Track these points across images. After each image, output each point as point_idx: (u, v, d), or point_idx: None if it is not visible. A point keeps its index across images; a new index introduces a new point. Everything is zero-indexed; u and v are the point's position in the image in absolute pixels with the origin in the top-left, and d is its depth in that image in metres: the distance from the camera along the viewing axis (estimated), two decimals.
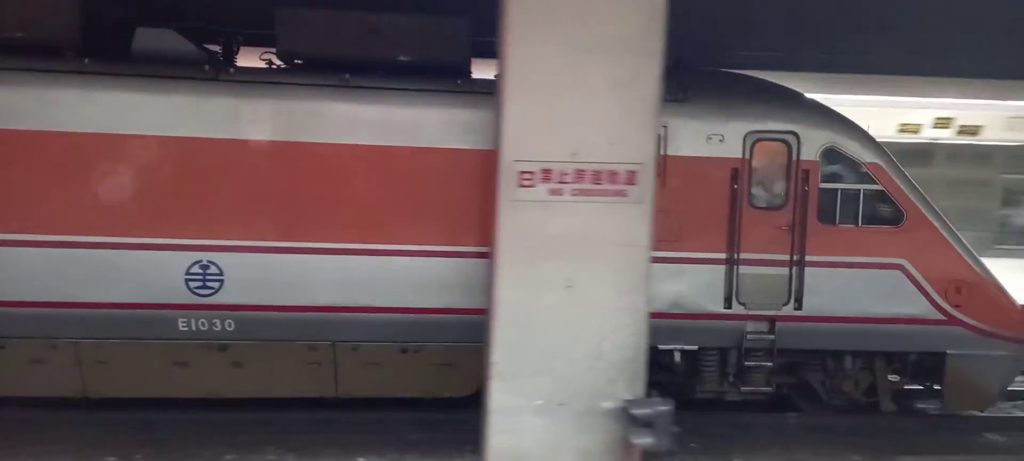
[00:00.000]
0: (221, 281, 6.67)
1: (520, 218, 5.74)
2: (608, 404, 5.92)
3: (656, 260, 6.19)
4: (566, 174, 5.71)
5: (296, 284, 6.76)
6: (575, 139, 5.67)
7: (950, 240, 7.44)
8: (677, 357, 7.32)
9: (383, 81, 6.83)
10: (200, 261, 6.64)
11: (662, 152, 6.80)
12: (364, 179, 6.77)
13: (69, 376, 6.77)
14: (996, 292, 7.57)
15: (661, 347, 7.07)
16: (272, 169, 6.68)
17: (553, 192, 5.73)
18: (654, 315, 6.22)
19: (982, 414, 7.99)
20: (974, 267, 7.48)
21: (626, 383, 5.94)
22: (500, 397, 5.84)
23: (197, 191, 6.61)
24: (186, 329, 6.70)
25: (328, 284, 6.79)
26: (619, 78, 5.60)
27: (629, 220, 5.85)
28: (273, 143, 6.68)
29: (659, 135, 6.33)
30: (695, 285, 7.11)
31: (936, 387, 7.77)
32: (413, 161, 6.77)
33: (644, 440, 5.72)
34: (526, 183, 5.69)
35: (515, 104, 5.60)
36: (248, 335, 6.80)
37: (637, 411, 5.80)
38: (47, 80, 6.49)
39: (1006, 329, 7.49)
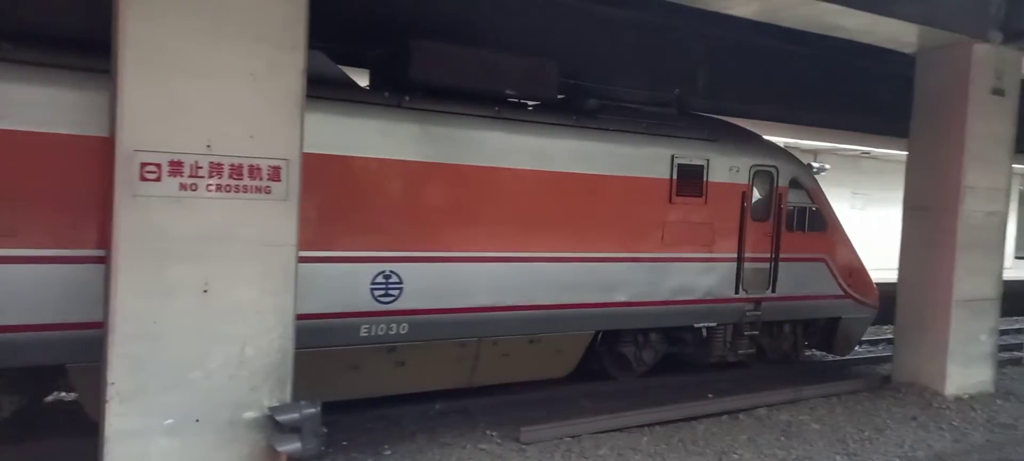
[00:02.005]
0: (401, 289, 7.15)
1: (144, 216, 5.07)
2: (252, 414, 5.57)
3: (698, 260, 9.11)
4: (200, 168, 5.22)
5: (458, 289, 7.62)
6: (209, 129, 5.21)
7: (848, 240, 10.61)
8: (704, 332, 9.60)
9: (529, 115, 8.17)
10: (383, 271, 7.08)
11: (705, 180, 9.09)
12: (512, 197, 7.87)
13: None
14: (865, 274, 10.76)
15: (696, 326, 9.42)
16: (444, 187, 7.51)
17: (185, 187, 5.19)
18: (693, 301, 9.11)
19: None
20: (857, 258, 10.65)
21: (271, 389, 5.64)
22: (120, 421, 5.08)
23: (382, 207, 7.20)
24: (366, 334, 7.05)
25: (482, 288, 7.76)
26: (255, 68, 5.28)
27: (274, 218, 5.56)
28: (446, 165, 7.50)
29: (701, 165, 9.04)
30: (720, 277, 9.34)
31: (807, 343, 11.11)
32: (545, 182, 8.04)
33: (291, 446, 5.51)
34: (150, 176, 5.05)
35: (135, 86, 4.93)
36: (418, 337, 7.43)
37: (283, 417, 5.55)
38: None
39: (869, 299, 10.80)
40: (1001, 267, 9.91)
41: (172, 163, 5.12)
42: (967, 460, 7.49)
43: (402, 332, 7.32)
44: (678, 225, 8.92)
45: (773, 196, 9.76)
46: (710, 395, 9.01)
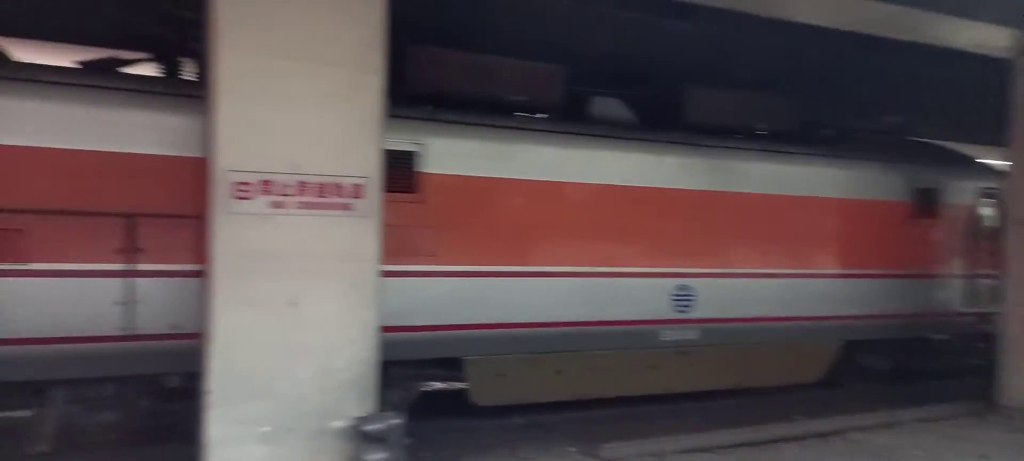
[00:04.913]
0: (694, 300, 8.29)
1: (237, 232, 5.39)
2: (339, 424, 5.74)
3: (935, 276, 9.92)
4: (288, 186, 5.52)
5: (740, 300, 8.77)
6: (295, 150, 5.51)
7: None
8: (934, 344, 10.27)
9: (792, 148, 9.34)
10: (681, 284, 8.34)
11: (939, 202, 10.05)
12: (780, 221, 9.04)
13: (558, 383, 8.02)
14: None
15: (933, 337, 10.16)
16: (726, 212, 8.73)
17: (274, 205, 5.49)
18: (930, 314, 9.95)
19: None
20: None
21: (357, 400, 5.81)
22: (218, 428, 5.35)
23: (676, 229, 8.55)
24: (666, 339, 8.28)
25: (756, 300, 8.87)
26: (337, 90, 5.57)
27: (356, 234, 5.80)
28: (727, 194, 8.78)
29: (935, 189, 9.85)
30: (954, 292, 10.31)
31: None
32: (807, 208, 9.25)
33: (376, 456, 5.65)
34: (243, 195, 5.38)
35: (228, 111, 5.29)
36: (708, 341, 8.62)
37: (368, 427, 5.71)
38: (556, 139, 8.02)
39: None
40: None
41: (263, 182, 5.45)
42: None
43: (693, 337, 8.52)
44: (916, 243, 9.87)
45: (998, 215, 10.17)
46: (798, 416, 8.66)
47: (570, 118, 8.34)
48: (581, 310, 8.02)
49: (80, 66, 6.91)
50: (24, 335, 5.86)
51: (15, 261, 5.80)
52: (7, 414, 6.56)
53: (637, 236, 8.28)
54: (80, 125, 6.02)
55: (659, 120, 8.92)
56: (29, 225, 5.83)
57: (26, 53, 7.00)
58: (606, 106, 8.71)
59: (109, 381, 6.42)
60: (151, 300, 6.25)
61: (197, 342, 5.68)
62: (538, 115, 8.38)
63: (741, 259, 8.83)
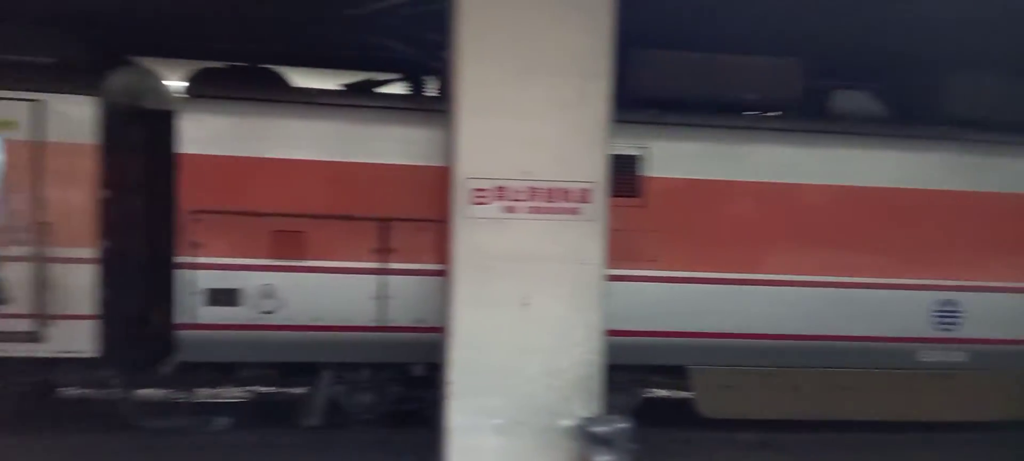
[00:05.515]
0: (961, 317, 7.54)
1: (474, 236, 5.79)
2: (566, 422, 5.92)
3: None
4: (519, 192, 5.81)
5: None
6: (526, 157, 5.78)
7: None
8: None
9: None
10: (943, 299, 7.55)
11: None
12: None
13: (794, 400, 7.51)
14: None
15: None
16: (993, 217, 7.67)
17: (507, 209, 5.81)
18: None
19: None
20: None
21: (583, 401, 5.95)
22: (458, 417, 5.80)
23: (939, 236, 7.62)
24: (925, 360, 7.54)
25: None
26: (565, 98, 5.75)
27: (582, 238, 5.93)
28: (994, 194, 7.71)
29: None
30: None
31: None
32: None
33: (603, 458, 5.72)
34: (480, 200, 5.76)
35: (468, 122, 5.70)
36: (979, 365, 7.66)
37: (596, 429, 5.80)
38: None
39: None
40: None
41: (497, 189, 5.79)
42: None
43: (960, 359, 7.59)
44: None
45: None
46: None
47: (808, 115, 7.78)
48: (821, 323, 7.42)
49: (344, 88, 7.88)
50: (303, 322, 6.81)
51: (296, 258, 6.77)
52: (286, 390, 7.74)
53: (890, 243, 7.49)
54: (345, 140, 6.86)
55: (918, 113, 7.96)
56: (306, 227, 6.78)
57: (299, 78, 8.13)
58: (851, 100, 7.95)
59: (365, 367, 7.24)
60: (399, 296, 6.93)
61: (439, 336, 6.20)
62: (771, 113, 7.94)
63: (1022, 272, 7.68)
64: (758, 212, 7.39)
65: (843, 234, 7.48)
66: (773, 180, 7.39)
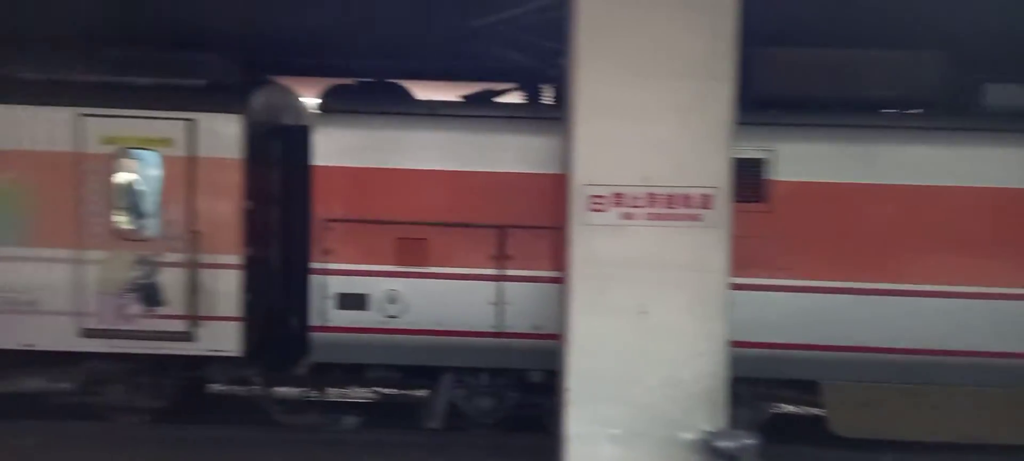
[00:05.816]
0: None
1: (591, 243, 5.74)
2: (688, 435, 5.74)
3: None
4: (638, 198, 5.71)
5: None
6: (645, 163, 5.68)
7: None
8: None
9: None
10: None
11: None
12: None
13: (937, 420, 6.95)
14: None
15: None
16: None
17: (625, 216, 5.73)
18: None
19: None
20: None
21: (706, 414, 5.75)
22: (576, 425, 5.76)
23: None
24: None
25: None
26: (685, 102, 5.60)
27: (704, 245, 5.75)
28: None
29: None
30: None
31: None
32: None
33: None
34: (597, 207, 5.72)
35: (585, 128, 5.68)
36: None
37: (721, 443, 5.60)
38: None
39: None
40: None
41: (615, 195, 5.72)
42: None
43: None
44: None
45: None
46: None
47: (954, 111, 7.15)
48: (970, 338, 6.80)
49: (464, 99, 8.08)
50: (425, 327, 7.03)
51: (420, 265, 7.01)
52: (408, 393, 8.02)
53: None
54: (465, 150, 7.04)
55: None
56: (429, 235, 7.00)
57: (422, 91, 8.41)
58: (1005, 94, 7.22)
59: (484, 372, 7.37)
60: (517, 302, 7.01)
61: (555, 342, 6.20)
62: (912, 111, 7.37)
63: None
64: (895, 217, 6.89)
65: (993, 240, 6.84)
66: (913, 183, 6.87)
